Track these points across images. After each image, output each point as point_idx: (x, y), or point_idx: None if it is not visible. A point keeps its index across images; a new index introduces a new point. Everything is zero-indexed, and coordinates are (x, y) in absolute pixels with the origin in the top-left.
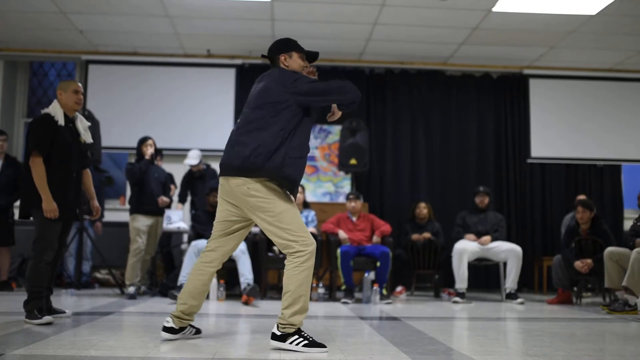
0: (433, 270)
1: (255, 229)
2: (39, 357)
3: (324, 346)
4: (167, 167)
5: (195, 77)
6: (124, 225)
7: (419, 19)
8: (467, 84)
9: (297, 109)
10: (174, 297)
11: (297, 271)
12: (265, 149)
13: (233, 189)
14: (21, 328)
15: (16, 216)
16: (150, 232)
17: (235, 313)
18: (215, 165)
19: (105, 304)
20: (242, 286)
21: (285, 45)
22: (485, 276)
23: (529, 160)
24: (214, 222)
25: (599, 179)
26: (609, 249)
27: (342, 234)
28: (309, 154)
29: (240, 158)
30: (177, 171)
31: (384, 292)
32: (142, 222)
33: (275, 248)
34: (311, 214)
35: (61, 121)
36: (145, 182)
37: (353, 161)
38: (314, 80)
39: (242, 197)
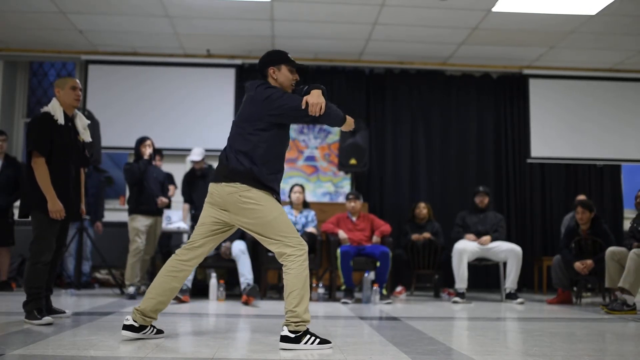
0: (433, 270)
1: None
2: (39, 357)
3: (330, 342)
4: (167, 167)
5: (195, 77)
6: (124, 226)
7: (419, 19)
8: (466, 84)
9: (272, 124)
10: (175, 298)
11: (302, 269)
12: (248, 158)
13: (224, 196)
14: (21, 328)
15: (16, 216)
16: (150, 232)
17: (235, 313)
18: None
19: (105, 304)
20: (242, 286)
21: (276, 58)
22: (485, 276)
23: (529, 160)
24: (196, 225)
25: (599, 179)
26: (611, 248)
27: (342, 234)
28: (309, 154)
29: (230, 166)
30: (177, 171)
31: (384, 292)
32: (141, 222)
33: None
34: (311, 214)
35: (61, 120)
36: (144, 182)
37: (353, 161)
38: (287, 98)
39: (235, 204)
